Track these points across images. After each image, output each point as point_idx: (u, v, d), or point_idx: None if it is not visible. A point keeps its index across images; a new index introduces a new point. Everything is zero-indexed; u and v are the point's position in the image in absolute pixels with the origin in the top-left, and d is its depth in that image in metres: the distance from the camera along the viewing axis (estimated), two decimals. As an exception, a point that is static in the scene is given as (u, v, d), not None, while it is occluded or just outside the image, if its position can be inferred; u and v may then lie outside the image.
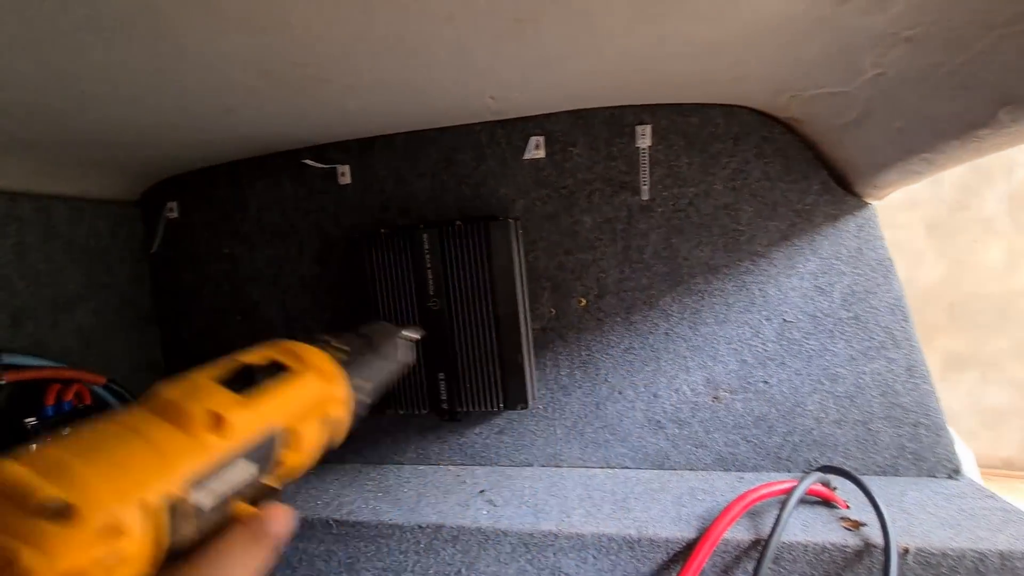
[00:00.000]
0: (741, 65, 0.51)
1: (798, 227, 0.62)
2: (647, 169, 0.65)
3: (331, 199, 0.74)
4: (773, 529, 0.50)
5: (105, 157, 0.66)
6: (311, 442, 0.28)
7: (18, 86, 0.43)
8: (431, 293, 0.65)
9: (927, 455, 0.60)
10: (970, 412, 2.19)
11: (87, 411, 0.64)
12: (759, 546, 0.51)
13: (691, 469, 0.66)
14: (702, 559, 0.50)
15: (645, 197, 0.65)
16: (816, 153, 0.61)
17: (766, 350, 0.63)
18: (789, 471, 0.63)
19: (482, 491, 0.65)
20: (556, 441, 0.70)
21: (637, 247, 0.66)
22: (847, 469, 0.57)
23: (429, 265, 0.65)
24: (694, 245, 0.64)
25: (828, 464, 0.61)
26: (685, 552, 0.53)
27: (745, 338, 0.64)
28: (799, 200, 0.62)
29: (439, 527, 0.59)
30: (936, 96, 0.43)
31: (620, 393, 0.67)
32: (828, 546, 0.50)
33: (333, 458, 0.76)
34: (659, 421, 0.67)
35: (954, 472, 0.60)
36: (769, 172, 0.62)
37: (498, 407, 0.66)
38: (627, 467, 0.68)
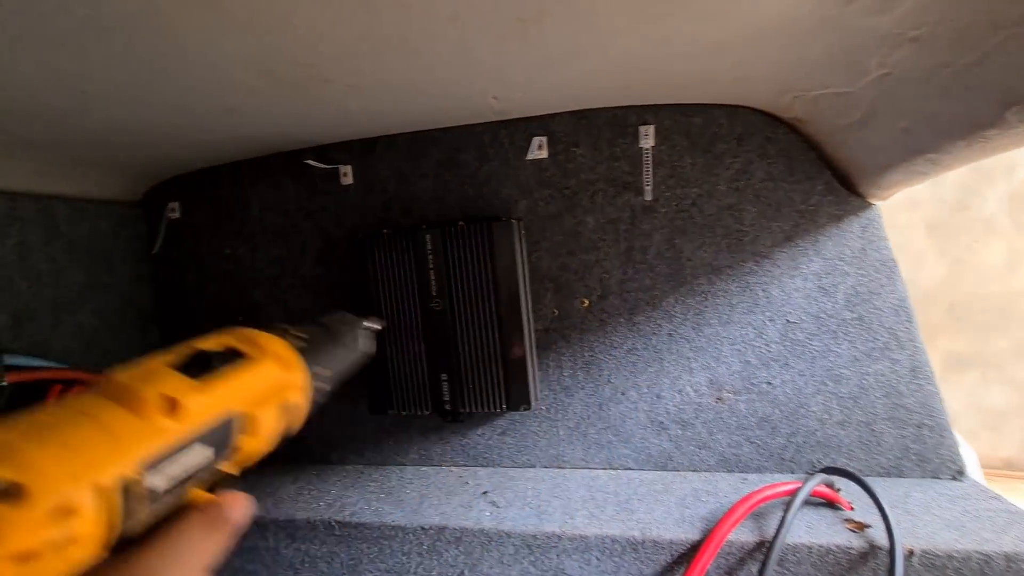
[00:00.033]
0: (745, 65, 0.51)
1: (802, 228, 0.62)
2: (650, 169, 0.65)
3: (333, 199, 0.74)
4: (777, 531, 0.50)
5: (107, 157, 0.66)
6: (268, 428, 0.28)
7: (20, 86, 0.43)
8: (434, 294, 0.65)
9: (931, 456, 0.60)
10: (970, 412, 2.18)
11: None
12: (763, 548, 0.51)
13: (694, 470, 0.66)
14: (706, 561, 0.50)
15: (648, 198, 0.65)
16: (820, 153, 0.61)
17: (769, 351, 0.63)
18: (792, 472, 0.63)
19: (485, 492, 0.65)
20: (559, 442, 0.70)
21: (640, 248, 0.66)
22: (851, 470, 0.57)
23: (432, 266, 0.65)
24: (697, 246, 0.64)
25: (832, 465, 0.61)
26: (689, 554, 0.52)
27: (748, 339, 0.64)
28: (803, 201, 0.62)
29: (442, 528, 0.58)
30: (942, 96, 0.42)
31: (623, 394, 0.67)
32: (833, 548, 0.50)
33: (335, 459, 0.76)
34: (662, 422, 0.66)
35: (958, 473, 0.60)
36: (773, 173, 0.62)
37: (501, 408, 0.66)
38: (630, 468, 0.68)
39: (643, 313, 0.66)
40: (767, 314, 0.63)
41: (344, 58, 0.44)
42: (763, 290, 0.63)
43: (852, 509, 0.54)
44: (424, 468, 0.73)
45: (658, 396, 0.66)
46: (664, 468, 0.67)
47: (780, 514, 0.51)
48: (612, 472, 0.68)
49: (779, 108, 0.59)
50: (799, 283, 0.62)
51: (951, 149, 0.45)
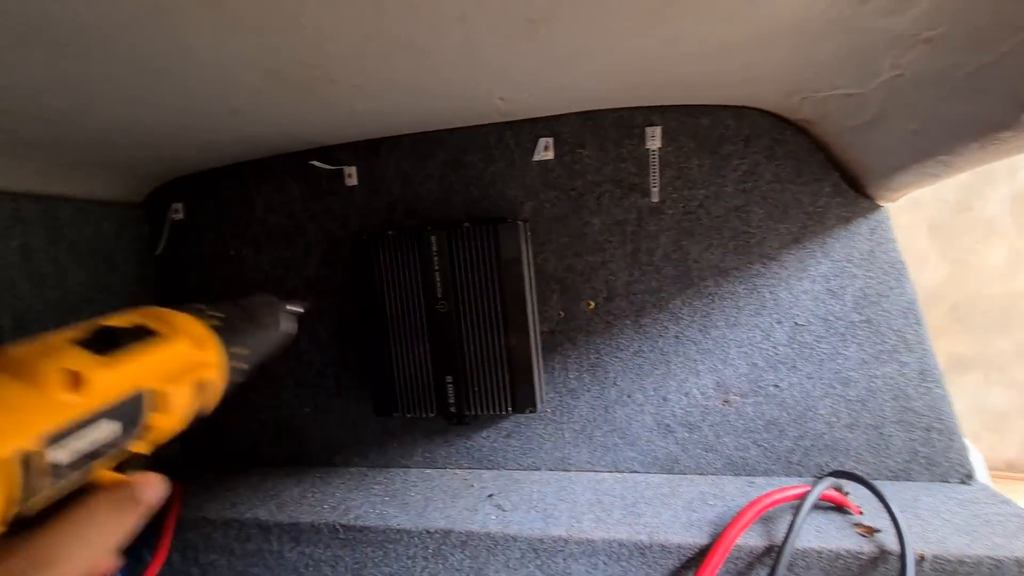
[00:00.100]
0: (754, 66, 0.50)
1: (809, 229, 0.61)
2: (657, 171, 0.64)
3: (338, 201, 0.73)
4: (787, 535, 0.49)
5: (110, 158, 0.66)
6: (181, 406, 0.27)
7: (24, 87, 0.42)
8: (439, 295, 0.65)
9: (940, 460, 0.60)
10: (973, 414, 2.18)
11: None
12: (773, 553, 0.50)
13: (701, 474, 0.66)
14: (715, 566, 0.50)
15: (655, 199, 0.65)
16: (828, 155, 0.60)
17: (777, 353, 0.63)
18: (800, 476, 0.63)
19: (490, 495, 0.64)
20: (564, 445, 0.69)
21: (647, 249, 0.65)
22: (860, 474, 0.56)
23: (437, 267, 0.65)
24: (704, 247, 0.64)
25: (840, 469, 0.61)
26: (697, 558, 0.52)
27: (756, 341, 0.63)
28: (811, 202, 0.61)
29: (447, 532, 0.58)
30: (954, 98, 0.42)
31: (629, 396, 0.67)
32: (843, 553, 0.49)
33: (339, 462, 0.76)
34: (669, 425, 0.66)
35: (967, 477, 0.60)
36: (780, 174, 0.62)
37: (506, 410, 0.65)
38: (636, 471, 0.67)
39: (650, 315, 0.66)
40: (775, 316, 0.63)
41: (350, 58, 0.44)
42: (771, 292, 0.63)
43: (861, 513, 0.54)
44: (429, 471, 0.73)
45: (664, 399, 0.66)
46: (671, 471, 0.66)
47: (789, 518, 0.51)
48: (618, 475, 0.67)
49: (787, 109, 0.59)
50: (807, 285, 0.62)
51: (963, 151, 0.45)
